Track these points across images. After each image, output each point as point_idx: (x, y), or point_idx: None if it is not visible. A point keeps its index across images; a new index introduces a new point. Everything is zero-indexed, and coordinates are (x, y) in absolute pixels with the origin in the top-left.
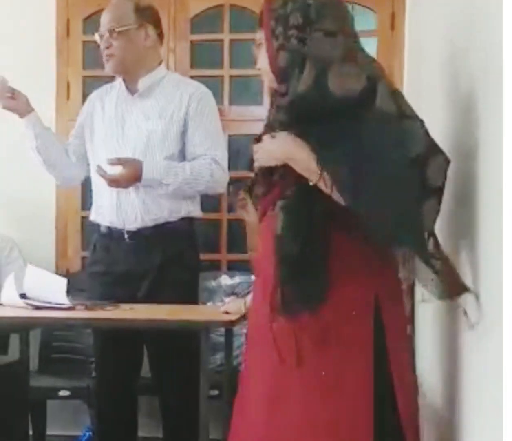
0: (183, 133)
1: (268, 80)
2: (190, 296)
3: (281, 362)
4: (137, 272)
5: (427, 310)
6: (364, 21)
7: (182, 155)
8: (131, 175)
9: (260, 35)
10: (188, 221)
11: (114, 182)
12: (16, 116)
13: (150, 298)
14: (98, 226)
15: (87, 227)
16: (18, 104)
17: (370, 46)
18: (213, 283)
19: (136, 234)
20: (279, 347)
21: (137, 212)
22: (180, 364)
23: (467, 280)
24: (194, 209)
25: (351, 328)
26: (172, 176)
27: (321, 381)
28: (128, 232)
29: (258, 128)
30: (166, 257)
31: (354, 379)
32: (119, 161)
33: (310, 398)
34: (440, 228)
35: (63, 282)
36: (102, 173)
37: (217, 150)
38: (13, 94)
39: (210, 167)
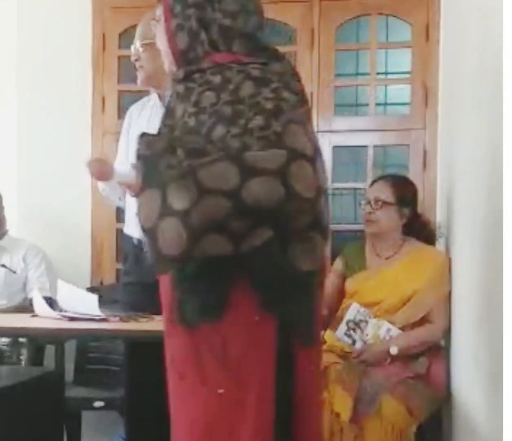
0: None
1: (168, 62)
2: None
3: (181, 378)
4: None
5: (464, 324)
6: (399, 32)
7: None
8: None
9: (159, 12)
10: None
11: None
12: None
13: None
14: (130, 238)
15: (121, 239)
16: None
17: (405, 57)
18: None
19: None
20: (178, 363)
21: None
22: None
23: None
24: None
25: (252, 341)
26: None
27: (220, 398)
28: None
29: None
30: None
31: (255, 396)
32: None
33: (209, 415)
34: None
35: (94, 298)
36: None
37: None
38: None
39: None
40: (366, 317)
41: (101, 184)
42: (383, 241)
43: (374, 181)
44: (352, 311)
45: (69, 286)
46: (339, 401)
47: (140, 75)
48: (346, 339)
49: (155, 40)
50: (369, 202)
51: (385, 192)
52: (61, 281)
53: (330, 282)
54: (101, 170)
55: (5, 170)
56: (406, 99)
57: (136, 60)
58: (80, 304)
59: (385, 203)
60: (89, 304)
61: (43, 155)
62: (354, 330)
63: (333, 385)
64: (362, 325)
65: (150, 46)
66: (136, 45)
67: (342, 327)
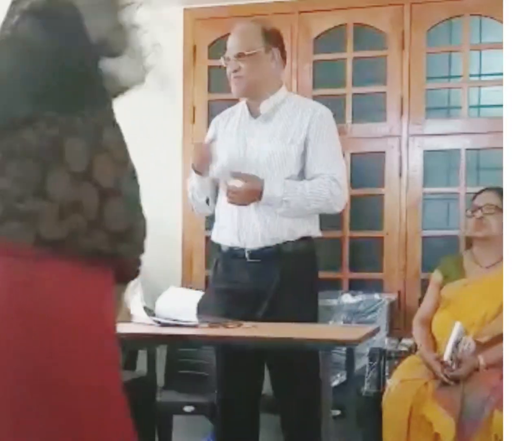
0: (303, 154)
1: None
2: (309, 315)
3: None
4: (257, 291)
5: None
6: (493, 33)
7: (302, 176)
8: (251, 190)
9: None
10: (308, 240)
11: (235, 194)
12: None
13: (270, 317)
14: (219, 245)
15: (210, 246)
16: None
17: (499, 58)
18: (334, 302)
19: (256, 253)
20: None
21: (258, 232)
22: (301, 382)
23: None
24: (313, 229)
25: None
26: (292, 194)
27: None
28: (249, 252)
29: (380, 146)
30: (285, 277)
31: None
32: (241, 176)
33: None
34: None
35: (197, 295)
36: (225, 187)
37: (336, 169)
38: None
39: (330, 186)
40: (463, 335)
41: (191, 183)
42: (488, 248)
43: (481, 191)
44: (457, 331)
45: (178, 289)
46: (439, 421)
47: (240, 86)
48: (451, 362)
49: (257, 50)
50: (478, 209)
51: (495, 199)
52: (173, 287)
53: (430, 294)
54: (203, 154)
55: None
56: (500, 101)
57: (235, 71)
58: (178, 307)
59: (497, 208)
60: (188, 305)
61: (134, 163)
62: (456, 349)
63: (431, 403)
64: (460, 344)
65: (252, 56)
66: (235, 57)
67: (449, 350)
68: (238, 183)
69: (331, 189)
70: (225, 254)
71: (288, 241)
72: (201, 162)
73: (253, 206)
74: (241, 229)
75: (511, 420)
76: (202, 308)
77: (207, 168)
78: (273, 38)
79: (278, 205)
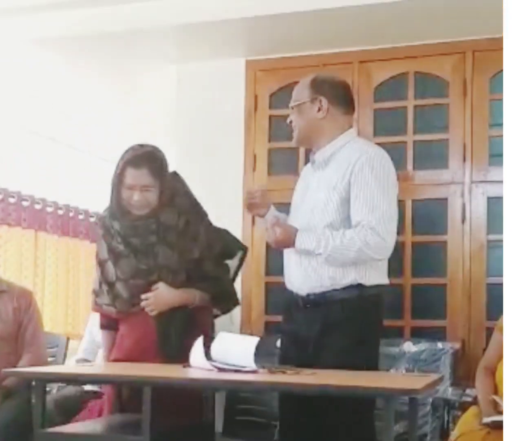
0: (347, 200)
1: None
2: (357, 364)
3: None
4: (303, 336)
5: None
6: None
7: (348, 223)
8: (282, 240)
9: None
10: (357, 288)
11: (275, 243)
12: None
13: (314, 363)
14: (290, 291)
15: (270, 292)
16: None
17: None
18: (396, 350)
19: (305, 299)
20: None
21: (302, 280)
22: (355, 431)
23: None
24: (364, 277)
25: None
26: (323, 246)
27: None
28: (300, 297)
29: (443, 193)
30: (327, 324)
31: None
32: (279, 225)
33: None
34: None
35: (253, 341)
36: (266, 233)
37: (375, 215)
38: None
39: (365, 235)
40: None
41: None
42: None
43: None
44: None
45: (230, 334)
46: None
47: (294, 136)
48: None
49: (301, 101)
50: None
51: None
52: (222, 333)
53: (495, 341)
54: (258, 202)
55: None
56: None
57: (290, 122)
58: (235, 352)
59: None
60: (245, 351)
61: None
62: None
63: None
64: None
65: (297, 107)
66: (290, 108)
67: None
68: (276, 232)
69: (366, 238)
70: (289, 298)
71: (334, 289)
72: (254, 209)
73: (297, 254)
74: (290, 274)
75: (511, 420)
76: (267, 354)
77: (261, 212)
78: (321, 87)
79: (314, 256)
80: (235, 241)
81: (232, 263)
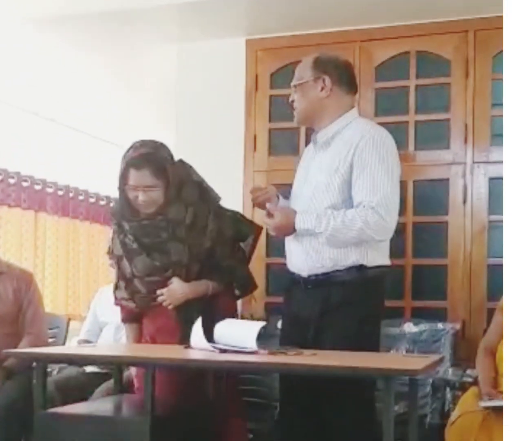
0: (349, 182)
1: None
2: (358, 345)
3: None
4: (304, 317)
5: None
6: None
7: (349, 203)
8: (281, 224)
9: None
10: (358, 269)
11: (274, 230)
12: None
13: (315, 345)
14: (288, 270)
15: (271, 273)
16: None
17: None
18: (396, 330)
19: (306, 280)
20: None
21: (302, 261)
22: (355, 411)
23: None
24: (366, 258)
25: None
26: (324, 225)
27: None
28: (302, 278)
29: (444, 173)
30: (328, 305)
31: None
32: (276, 209)
33: None
34: None
35: (258, 324)
36: (265, 221)
37: (376, 196)
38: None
39: (365, 215)
40: None
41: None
42: None
43: None
44: None
45: (237, 320)
46: None
47: (296, 115)
48: None
49: (304, 80)
50: None
51: None
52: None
53: (496, 321)
54: (261, 200)
55: None
56: None
57: (292, 101)
58: (237, 335)
59: None
60: (248, 333)
61: None
62: None
63: (497, 433)
64: None
65: (300, 86)
66: (292, 87)
67: None
68: (270, 218)
69: (367, 218)
70: (290, 279)
71: (335, 270)
72: (259, 203)
73: (297, 236)
74: (292, 256)
75: (511, 420)
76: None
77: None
78: (324, 67)
79: (315, 236)
80: (246, 224)
81: (244, 245)
